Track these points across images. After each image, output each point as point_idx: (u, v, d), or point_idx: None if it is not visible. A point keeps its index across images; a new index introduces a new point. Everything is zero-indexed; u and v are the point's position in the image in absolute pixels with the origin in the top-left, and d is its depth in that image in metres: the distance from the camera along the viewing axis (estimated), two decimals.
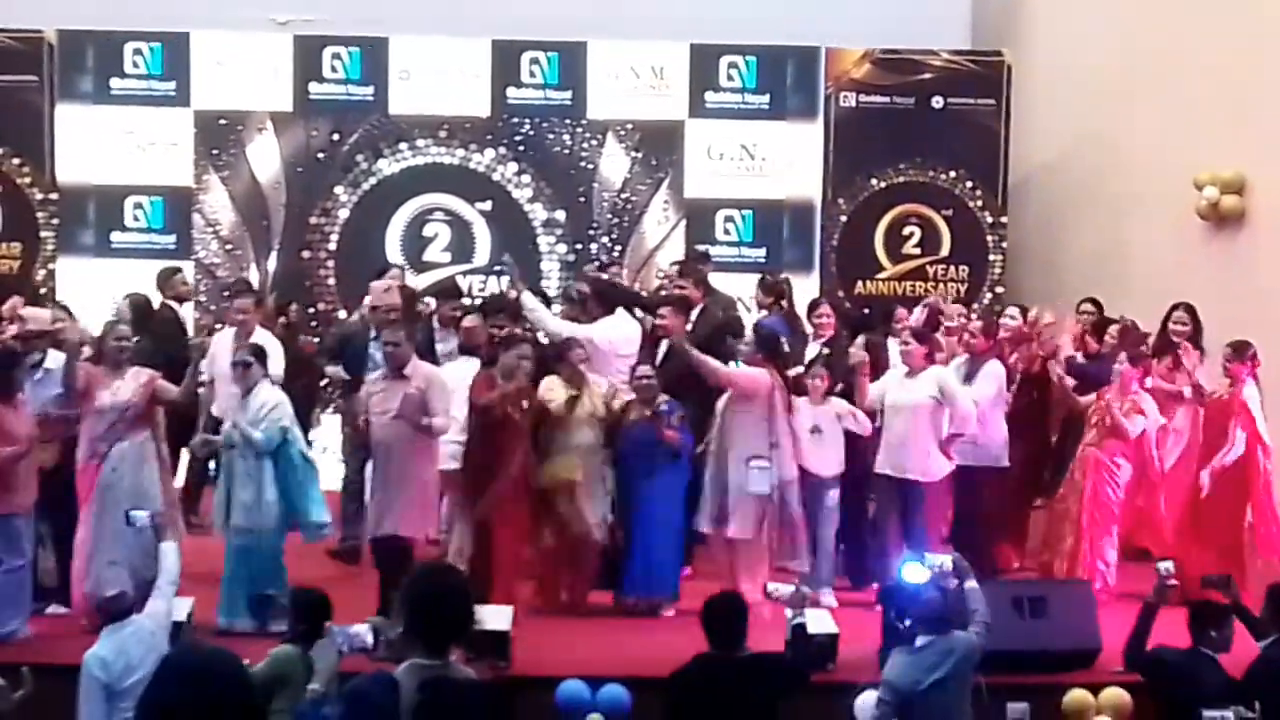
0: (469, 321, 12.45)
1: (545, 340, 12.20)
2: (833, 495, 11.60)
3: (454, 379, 11.40)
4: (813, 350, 12.66)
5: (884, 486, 11.69)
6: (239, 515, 10.65)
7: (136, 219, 16.19)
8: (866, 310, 13.65)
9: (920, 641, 8.55)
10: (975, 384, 11.96)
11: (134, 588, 9.30)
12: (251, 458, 10.66)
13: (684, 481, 11.42)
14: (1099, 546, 11.68)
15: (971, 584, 8.89)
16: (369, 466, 11.45)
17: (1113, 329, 12.69)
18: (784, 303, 13.62)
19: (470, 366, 11.77)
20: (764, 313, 13.53)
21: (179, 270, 14.58)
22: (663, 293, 13.50)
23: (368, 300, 13.09)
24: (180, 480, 12.79)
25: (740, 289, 14.39)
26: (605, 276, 13.71)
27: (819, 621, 9.97)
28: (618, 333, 12.22)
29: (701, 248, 15.58)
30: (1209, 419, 11.95)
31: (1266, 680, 8.72)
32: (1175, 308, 12.75)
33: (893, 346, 12.49)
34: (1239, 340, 11.86)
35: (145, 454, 10.76)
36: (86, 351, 11.37)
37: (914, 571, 9.84)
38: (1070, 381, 12.41)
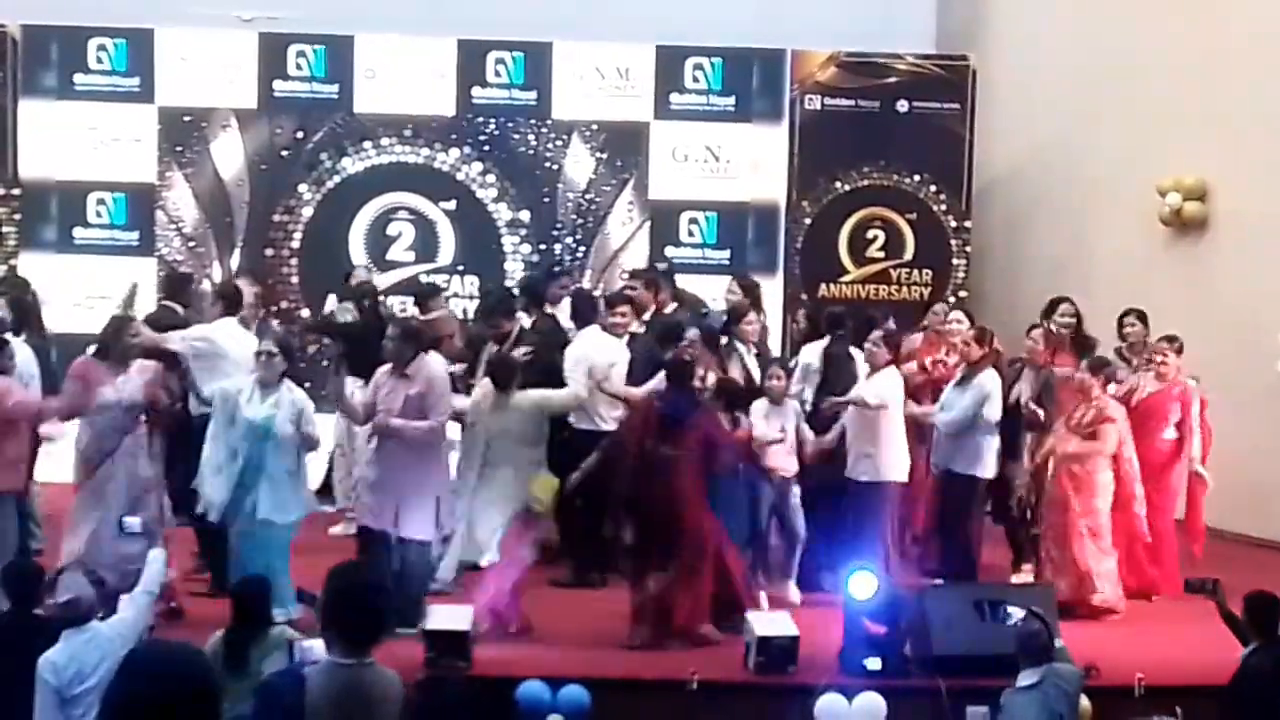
0: (437, 312, 12.34)
1: None
2: (796, 492, 11.69)
3: None
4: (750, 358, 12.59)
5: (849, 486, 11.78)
6: (271, 510, 10.47)
7: (99, 215, 16.09)
8: (841, 333, 13.36)
9: (1030, 678, 8.49)
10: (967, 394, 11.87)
11: (113, 591, 9.15)
12: (290, 448, 10.54)
13: None
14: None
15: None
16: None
17: (1035, 333, 12.60)
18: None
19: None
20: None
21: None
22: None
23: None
24: None
25: (703, 291, 14.36)
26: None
27: (779, 624, 9.98)
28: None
29: (662, 265, 14.98)
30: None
31: (1249, 689, 8.66)
32: (1127, 313, 13.04)
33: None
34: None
35: (140, 447, 10.53)
36: None
37: (861, 584, 9.83)
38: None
